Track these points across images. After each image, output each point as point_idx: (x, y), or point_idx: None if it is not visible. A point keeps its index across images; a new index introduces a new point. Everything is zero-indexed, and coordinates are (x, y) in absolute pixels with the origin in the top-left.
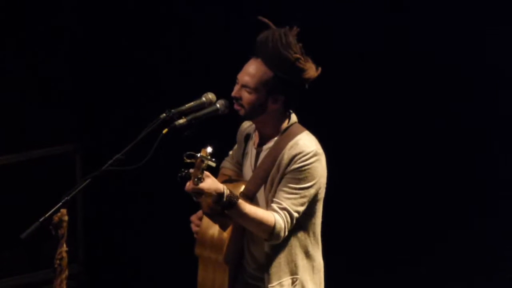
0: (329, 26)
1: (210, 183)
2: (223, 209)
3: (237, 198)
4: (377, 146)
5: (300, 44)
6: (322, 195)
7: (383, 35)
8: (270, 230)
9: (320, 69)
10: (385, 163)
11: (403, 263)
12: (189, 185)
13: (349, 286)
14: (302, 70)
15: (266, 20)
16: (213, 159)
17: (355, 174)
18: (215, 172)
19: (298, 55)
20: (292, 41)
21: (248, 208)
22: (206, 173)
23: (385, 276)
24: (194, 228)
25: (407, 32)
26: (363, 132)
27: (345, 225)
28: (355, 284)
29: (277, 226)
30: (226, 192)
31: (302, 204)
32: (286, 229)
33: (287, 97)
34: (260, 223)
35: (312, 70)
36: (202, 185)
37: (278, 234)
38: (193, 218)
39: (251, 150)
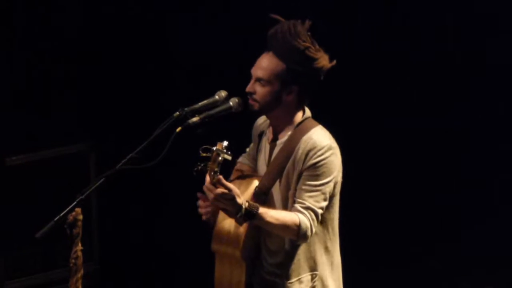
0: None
1: (228, 195)
2: (244, 220)
3: (257, 208)
4: (387, 142)
5: (310, 33)
6: (338, 189)
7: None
8: (296, 231)
9: (334, 61)
10: (394, 159)
11: (412, 259)
12: (208, 182)
13: (360, 282)
14: (313, 59)
15: (278, 17)
16: (229, 153)
17: (364, 171)
18: (230, 166)
19: (307, 44)
20: (301, 31)
21: (270, 215)
22: (232, 187)
23: (394, 271)
24: (201, 209)
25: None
26: (371, 129)
27: (355, 221)
28: (363, 279)
29: (303, 226)
30: (245, 205)
31: (324, 200)
32: (313, 228)
33: (301, 87)
34: (285, 227)
35: (324, 60)
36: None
37: (305, 234)
38: (200, 194)
39: (265, 145)
